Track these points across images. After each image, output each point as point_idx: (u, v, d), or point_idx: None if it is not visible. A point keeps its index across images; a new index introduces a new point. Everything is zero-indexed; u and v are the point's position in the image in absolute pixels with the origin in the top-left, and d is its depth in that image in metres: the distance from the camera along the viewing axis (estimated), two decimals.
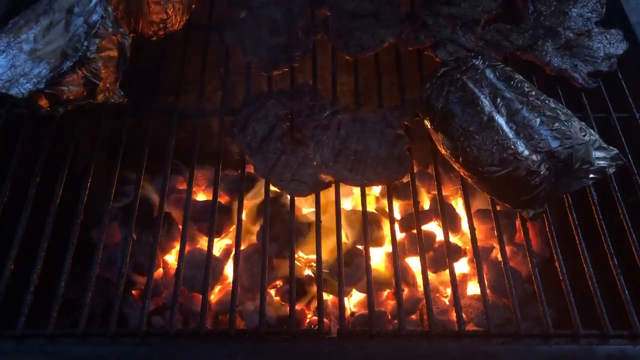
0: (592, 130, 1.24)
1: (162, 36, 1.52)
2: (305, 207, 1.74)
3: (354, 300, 1.66)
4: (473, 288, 1.69)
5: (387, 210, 1.35)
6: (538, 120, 1.19)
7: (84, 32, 1.27)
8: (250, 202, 1.74)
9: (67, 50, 1.26)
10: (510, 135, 1.18)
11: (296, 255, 1.64)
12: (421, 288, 1.52)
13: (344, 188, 1.38)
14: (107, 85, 1.32)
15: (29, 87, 1.22)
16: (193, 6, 1.55)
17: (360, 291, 1.62)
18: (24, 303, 1.14)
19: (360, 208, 1.37)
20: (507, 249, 1.62)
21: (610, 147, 1.22)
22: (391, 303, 1.63)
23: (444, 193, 1.64)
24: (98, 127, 1.43)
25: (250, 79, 1.52)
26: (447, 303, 1.63)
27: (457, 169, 1.29)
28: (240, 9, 1.61)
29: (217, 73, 1.56)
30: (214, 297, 1.63)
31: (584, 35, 1.58)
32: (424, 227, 1.70)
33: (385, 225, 1.69)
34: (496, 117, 1.21)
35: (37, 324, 1.15)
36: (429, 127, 1.34)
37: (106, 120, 1.44)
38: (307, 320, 1.59)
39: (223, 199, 1.78)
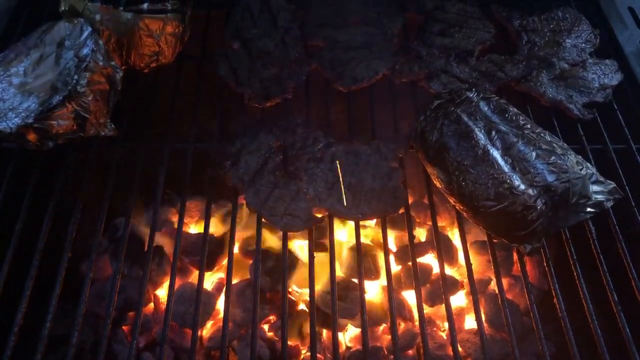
0: (588, 164, 1.23)
1: (155, 68, 1.51)
2: (299, 240, 1.71)
3: (350, 335, 1.62)
4: (471, 321, 1.65)
5: (382, 242, 1.33)
6: (534, 153, 1.18)
7: (74, 66, 1.26)
8: (243, 234, 1.71)
9: (57, 84, 1.25)
10: (506, 169, 1.17)
11: (289, 290, 1.61)
12: (418, 322, 1.49)
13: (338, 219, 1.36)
14: (98, 119, 1.31)
15: (17, 121, 1.21)
16: (186, 38, 1.55)
17: (356, 326, 1.59)
18: (7, 344, 1.11)
19: (354, 240, 1.35)
20: (505, 281, 1.60)
21: (608, 180, 1.20)
22: (387, 338, 1.60)
23: (440, 224, 1.62)
24: (88, 158, 1.41)
25: (243, 110, 1.51)
26: (445, 337, 1.60)
27: (453, 203, 1.27)
28: (233, 40, 1.60)
29: (209, 104, 1.55)
30: (206, 332, 1.59)
31: (578, 66, 1.58)
32: (420, 260, 1.67)
33: (381, 257, 1.67)
34: (491, 151, 1.19)
35: None
36: (424, 160, 1.32)
37: (96, 151, 1.42)
38: (302, 356, 1.55)
39: (215, 232, 1.75)
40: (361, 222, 1.37)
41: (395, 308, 1.23)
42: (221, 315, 1.60)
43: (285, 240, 1.30)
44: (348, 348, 1.60)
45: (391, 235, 1.75)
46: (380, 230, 1.36)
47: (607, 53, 1.67)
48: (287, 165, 1.37)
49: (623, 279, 1.24)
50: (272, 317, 1.59)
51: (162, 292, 1.66)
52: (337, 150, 1.40)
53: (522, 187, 1.15)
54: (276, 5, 1.67)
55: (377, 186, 1.34)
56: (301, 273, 1.61)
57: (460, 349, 1.45)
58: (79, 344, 1.16)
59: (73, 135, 1.29)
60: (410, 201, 1.37)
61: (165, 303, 1.24)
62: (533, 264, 1.69)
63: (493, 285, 1.68)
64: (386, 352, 1.54)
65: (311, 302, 1.22)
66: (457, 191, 1.22)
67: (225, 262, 1.69)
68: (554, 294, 1.22)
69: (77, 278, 1.51)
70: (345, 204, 1.30)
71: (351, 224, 1.61)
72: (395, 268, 1.67)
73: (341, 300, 1.55)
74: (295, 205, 1.30)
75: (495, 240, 1.33)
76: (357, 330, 1.60)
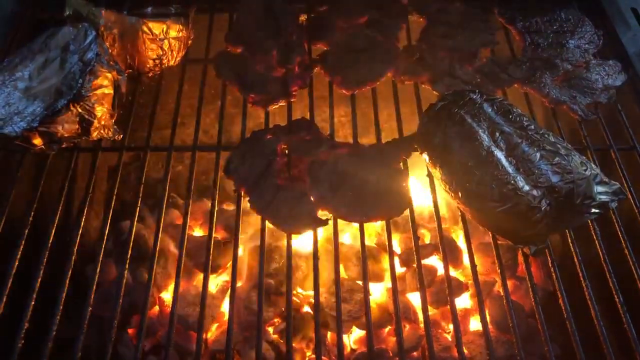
0: (593, 164, 1.22)
1: (159, 72, 1.52)
2: (304, 242, 1.71)
3: (355, 337, 1.62)
4: (476, 323, 1.65)
5: (387, 244, 1.33)
6: (538, 154, 1.18)
7: (79, 70, 1.27)
8: (248, 237, 1.71)
9: (62, 88, 1.25)
10: (510, 170, 1.16)
11: (294, 292, 1.62)
12: (423, 324, 1.49)
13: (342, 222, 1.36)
14: (102, 122, 1.31)
15: (23, 125, 1.22)
16: (189, 41, 1.55)
17: (361, 328, 1.59)
18: (13, 348, 1.11)
19: (359, 242, 1.34)
20: (510, 282, 1.59)
21: (612, 181, 1.20)
22: (392, 340, 1.60)
23: (444, 225, 1.62)
24: (93, 162, 1.41)
25: (247, 113, 1.51)
26: (450, 339, 1.60)
27: (457, 204, 1.27)
28: (237, 43, 1.60)
29: (213, 107, 1.55)
30: (210, 335, 1.59)
31: (581, 67, 1.58)
32: (425, 262, 1.68)
33: (385, 259, 1.67)
34: (495, 152, 1.19)
35: None
36: (428, 161, 1.32)
37: (102, 155, 1.42)
38: (307, 359, 1.55)
39: (220, 234, 1.75)
40: (366, 225, 1.36)
41: (400, 310, 1.23)
42: (226, 317, 1.61)
43: (289, 242, 1.30)
44: (353, 350, 1.60)
45: (395, 237, 1.76)
46: (384, 234, 1.36)
47: (611, 54, 1.66)
48: (291, 168, 1.37)
49: (628, 280, 1.23)
50: (276, 320, 1.60)
51: (167, 295, 1.67)
52: (340, 152, 1.40)
53: (526, 187, 1.14)
54: (279, 8, 1.68)
55: (381, 188, 1.34)
56: (306, 275, 1.61)
57: (465, 350, 1.44)
58: (84, 347, 1.16)
59: (78, 138, 1.30)
60: (414, 203, 1.36)
61: (170, 306, 1.24)
62: (538, 265, 1.69)
63: (498, 287, 1.68)
64: (391, 354, 1.55)
65: (316, 305, 1.22)
66: (461, 192, 1.22)
67: (229, 264, 1.69)
68: (559, 295, 1.22)
69: (82, 281, 1.51)
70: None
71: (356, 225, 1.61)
72: (400, 270, 1.67)
73: (346, 303, 1.55)
74: (299, 207, 1.30)
75: (499, 242, 1.32)
76: (362, 333, 1.60)
